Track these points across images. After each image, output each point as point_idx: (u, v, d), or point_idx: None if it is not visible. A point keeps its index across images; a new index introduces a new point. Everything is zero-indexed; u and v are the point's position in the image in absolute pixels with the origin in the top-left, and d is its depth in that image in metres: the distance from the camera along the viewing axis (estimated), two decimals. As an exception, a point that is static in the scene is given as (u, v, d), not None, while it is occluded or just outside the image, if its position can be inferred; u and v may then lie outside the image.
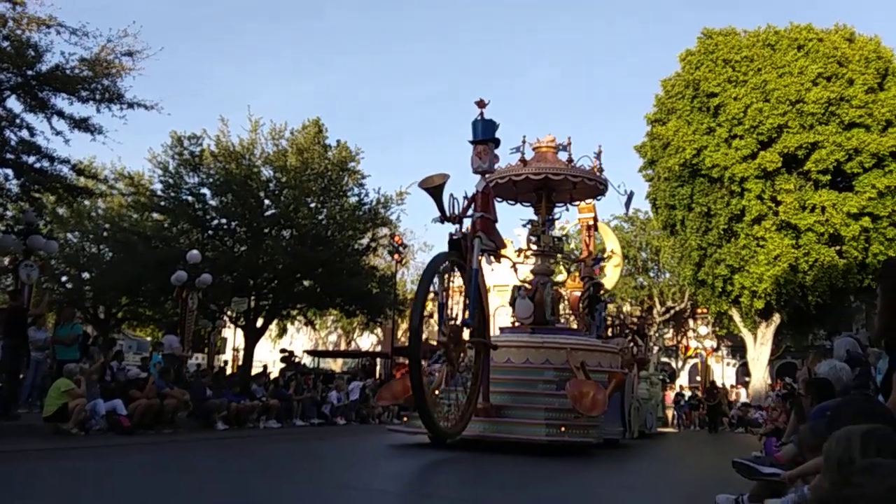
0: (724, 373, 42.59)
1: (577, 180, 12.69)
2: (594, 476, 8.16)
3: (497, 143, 10.20)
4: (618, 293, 35.87)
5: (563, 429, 9.58)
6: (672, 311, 40.62)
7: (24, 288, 13.50)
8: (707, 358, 34.64)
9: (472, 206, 9.82)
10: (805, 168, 25.33)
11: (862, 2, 68.97)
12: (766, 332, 28.63)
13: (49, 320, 18.10)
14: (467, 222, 9.75)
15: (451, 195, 9.66)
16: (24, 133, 15.45)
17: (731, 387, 35.88)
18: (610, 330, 17.74)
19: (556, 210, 13.74)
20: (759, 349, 28.94)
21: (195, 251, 19.06)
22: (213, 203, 24.85)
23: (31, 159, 15.62)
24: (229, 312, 26.20)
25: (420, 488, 6.85)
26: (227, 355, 32.34)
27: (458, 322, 9.37)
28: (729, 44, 27.02)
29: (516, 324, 12.49)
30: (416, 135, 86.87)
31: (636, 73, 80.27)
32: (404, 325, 31.21)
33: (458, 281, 9.61)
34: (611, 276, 19.22)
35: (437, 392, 10.04)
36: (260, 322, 26.08)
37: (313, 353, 37.49)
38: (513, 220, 78.72)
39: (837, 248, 25.38)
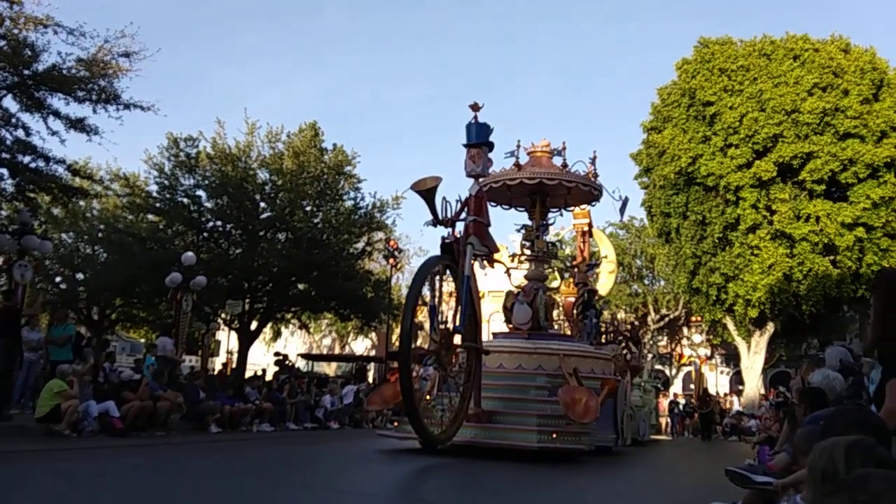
0: (717, 381, 42.66)
1: (571, 185, 12.62)
2: (586, 483, 8.15)
3: (491, 146, 10.11)
4: (612, 300, 35.93)
5: (554, 435, 9.53)
6: (666, 319, 40.68)
7: (17, 288, 13.46)
8: (701, 366, 34.72)
9: (465, 209, 9.73)
10: (800, 178, 25.43)
11: (858, 13, 69.39)
12: (760, 341, 28.69)
13: (43, 321, 18.06)
14: (460, 226, 9.64)
15: (444, 198, 9.53)
16: (20, 133, 15.47)
17: (725, 395, 35.94)
18: (604, 336, 17.74)
19: (551, 215, 13.63)
20: (753, 358, 29.00)
21: (190, 253, 19.03)
22: (208, 205, 24.83)
23: (27, 159, 15.61)
24: (224, 315, 26.16)
25: (411, 494, 6.85)
26: (222, 358, 32.26)
27: (450, 327, 9.29)
28: (725, 53, 27.13)
29: (511, 328, 12.43)
30: (413, 137, 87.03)
31: (633, 80, 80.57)
32: (399, 330, 31.15)
33: (449, 285, 9.55)
34: (605, 282, 19.27)
35: (428, 397, 9.94)
36: (254, 325, 26.06)
37: (307, 356, 37.40)
38: (507, 224, 78.98)
39: (831, 257, 25.46)
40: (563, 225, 18.13)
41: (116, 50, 15.68)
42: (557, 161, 12.84)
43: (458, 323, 9.17)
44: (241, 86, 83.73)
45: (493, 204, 13.37)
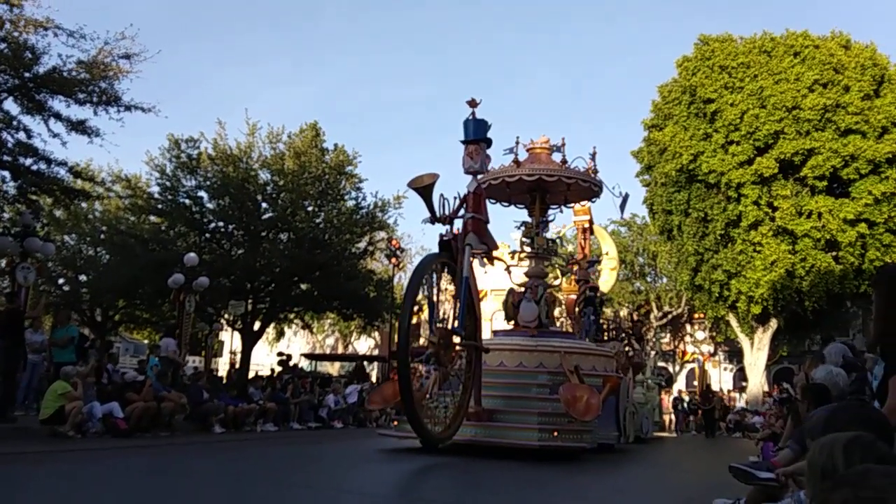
0: (721, 378, 42.60)
1: (571, 182, 12.56)
2: (587, 480, 8.15)
3: (489, 143, 10.07)
4: (615, 298, 35.90)
5: (555, 433, 9.52)
6: (669, 316, 40.63)
7: (20, 290, 13.47)
8: (704, 363, 34.63)
9: (464, 206, 9.69)
10: (801, 174, 25.40)
11: (858, 9, 69.26)
12: (763, 338, 28.67)
13: (46, 323, 18.08)
14: (458, 223, 9.60)
15: (442, 195, 9.50)
16: (22, 135, 15.48)
17: (728, 392, 35.91)
18: (606, 334, 17.73)
19: (551, 212, 13.58)
20: (756, 354, 28.99)
21: (192, 254, 19.04)
22: (210, 206, 24.84)
23: (29, 161, 15.62)
24: (226, 315, 26.17)
25: (412, 493, 6.86)
26: (225, 358, 32.28)
27: (449, 325, 9.24)
28: (725, 50, 27.12)
29: (516, 327, 12.38)
30: (413, 137, 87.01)
31: (634, 78, 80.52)
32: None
33: (448, 283, 9.49)
34: (607, 279, 19.26)
35: (428, 395, 9.87)
36: (257, 325, 26.08)
37: (310, 356, 37.43)
38: (506, 222, 78.92)
39: (834, 253, 25.44)
40: (564, 222, 18.12)
41: (117, 52, 15.69)
42: (557, 157, 12.79)
43: (456, 324, 9.12)
44: (242, 87, 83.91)
45: (492, 201, 13.34)
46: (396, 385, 9.20)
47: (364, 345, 47.05)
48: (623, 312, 35.16)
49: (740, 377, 38.38)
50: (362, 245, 27.34)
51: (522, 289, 12.45)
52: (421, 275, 8.88)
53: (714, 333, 37.16)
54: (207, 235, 25.27)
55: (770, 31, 27.58)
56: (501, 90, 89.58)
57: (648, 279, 41.47)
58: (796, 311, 26.93)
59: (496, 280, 17.97)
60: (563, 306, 16.80)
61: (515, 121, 77.98)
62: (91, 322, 28.96)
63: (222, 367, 31.25)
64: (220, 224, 25.20)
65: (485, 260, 10.28)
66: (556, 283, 17.76)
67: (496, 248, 10.52)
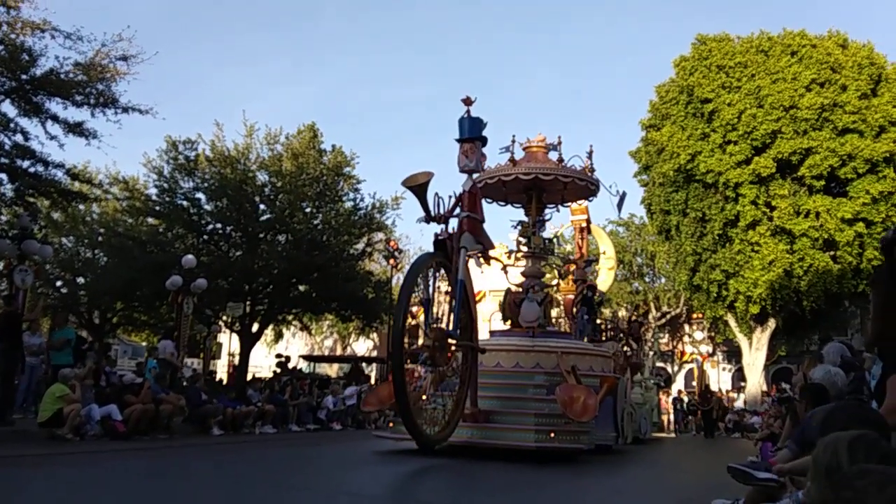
0: (719, 378, 42.63)
1: (567, 180, 12.50)
2: (585, 482, 8.13)
3: (484, 141, 9.97)
4: (613, 298, 35.92)
5: (552, 434, 9.46)
6: (668, 316, 40.67)
7: (18, 293, 13.47)
8: (703, 363, 34.65)
9: (459, 205, 9.61)
10: (799, 173, 25.41)
11: (855, 8, 69.36)
12: (762, 338, 28.68)
13: (44, 325, 18.06)
14: (454, 223, 9.53)
15: (437, 194, 9.41)
16: (19, 137, 15.47)
17: (727, 392, 35.91)
18: (603, 334, 17.71)
19: (547, 211, 13.50)
20: (755, 354, 28.99)
21: (190, 256, 19.03)
22: (208, 208, 24.81)
23: (26, 164, 15.62)
24: (225, 317, 26.14)
25: (408, 495, 6.85)
26: (223, 360, 32.24)
27: (444, 325, 9.16)
28: (723, 50, 27.12)
29: (517, 328, 12.31)
30: (413, 138, 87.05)
31: (631, 79, 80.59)
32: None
33: (443, 283, 9.45)
34: (604, 278, 19.26)
35: (424, 397, 9.79)
36: (255, 327, 26.04)
37: (309, 358, 37.44)
38: (502, 221, 78.90)
39: (832, 253, 25.44)
40: (562, 222, 18.10)
41: (114, 53, 15.68)
42: (553, 156, 12.73)
43: (451, 326, 9.05)
44: (240, 88, 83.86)
45: (488, 200, 13.32)
46: (391, 386, 9.11)
47: (363, 346, 47.02)
48: (622, 313, 35.19)
49: (739, 377, 38.40)
50: (360, 246, 27.31)
51: (520, 289, 12.39)
52: (415, 275, 8.81)
53: (712, 333, 37.21)
54: (205, 237, 25.24)
55: (767, 31, 27.60)
56: (501, 90, 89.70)
57: (647, 279, 41.52)
58: (794, 311, 26.94)
59: (494, 281, 17.96)
60: (561, 306, 16.78)
61: (515, 121, 78.10)
62: (89, 324, 28.93)
63: (221, 369, 31.24)
64: (218, 226, 25.17)
65: (481, 260, 10.23)
66: (554, 283, 17.77)
67: (492, 247, 10.44)
